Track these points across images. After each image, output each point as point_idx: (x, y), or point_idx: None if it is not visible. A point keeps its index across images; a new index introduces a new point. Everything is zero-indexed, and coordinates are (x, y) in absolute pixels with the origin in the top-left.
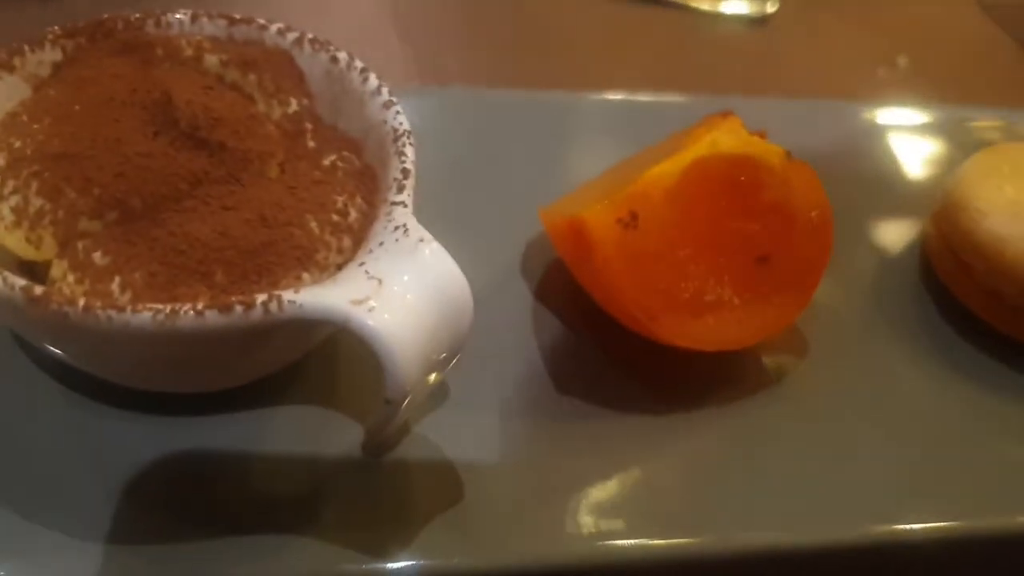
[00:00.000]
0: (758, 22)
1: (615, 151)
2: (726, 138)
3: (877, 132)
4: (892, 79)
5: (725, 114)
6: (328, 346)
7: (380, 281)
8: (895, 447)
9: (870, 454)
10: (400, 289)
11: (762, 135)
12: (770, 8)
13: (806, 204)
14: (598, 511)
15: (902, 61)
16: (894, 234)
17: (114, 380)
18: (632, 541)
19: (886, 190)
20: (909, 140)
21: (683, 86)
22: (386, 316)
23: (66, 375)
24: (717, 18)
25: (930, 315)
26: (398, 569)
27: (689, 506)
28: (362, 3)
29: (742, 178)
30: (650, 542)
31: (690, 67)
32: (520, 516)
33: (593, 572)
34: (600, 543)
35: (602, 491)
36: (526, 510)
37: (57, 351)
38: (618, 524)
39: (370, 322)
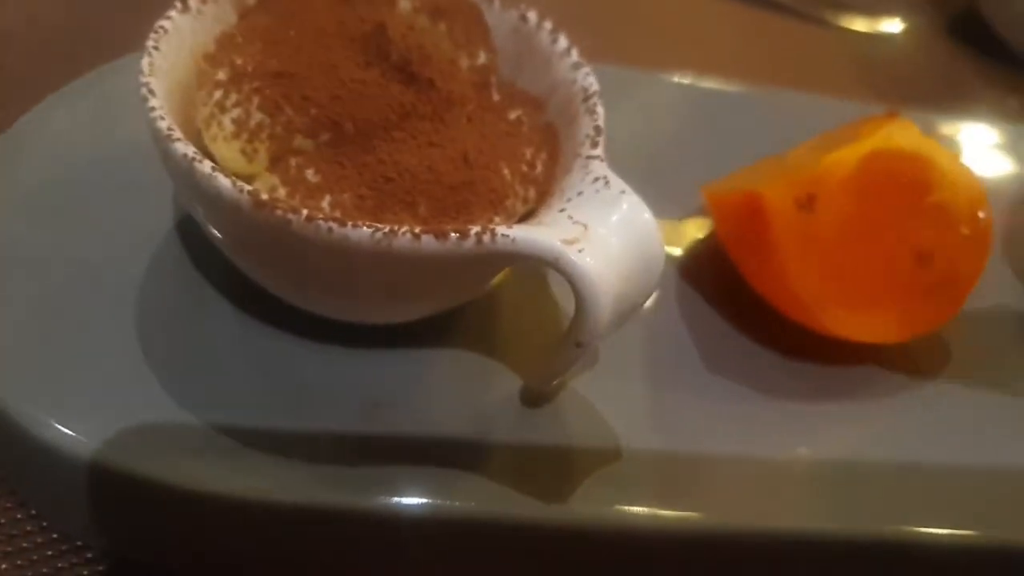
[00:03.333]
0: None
1: (764, 146)
2: (900, 134)
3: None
4: None
5: (891, 114)
6: (485, 299)
7: (586, 226)
8: None
9: (1009, 473)
10: (605, 233)
11: None
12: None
13: (971, 209)
14: (738, 488)
15: None
16: None
17: (295, 300)
18: (770, 524)
19: None
20: None
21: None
22: (590, 260)
23: (239, 296)
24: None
25: None
26: (556, 513)
27: (825, 495)
28: None
29: (914, 175)
30: (788, 526)
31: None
32: (667, 480)
33: (726, 542)
34: (740, 519)
35: (742, 471)
36: (674, 478)
37: (250, 264)
38: (758, 504)
39: (580, 262)
